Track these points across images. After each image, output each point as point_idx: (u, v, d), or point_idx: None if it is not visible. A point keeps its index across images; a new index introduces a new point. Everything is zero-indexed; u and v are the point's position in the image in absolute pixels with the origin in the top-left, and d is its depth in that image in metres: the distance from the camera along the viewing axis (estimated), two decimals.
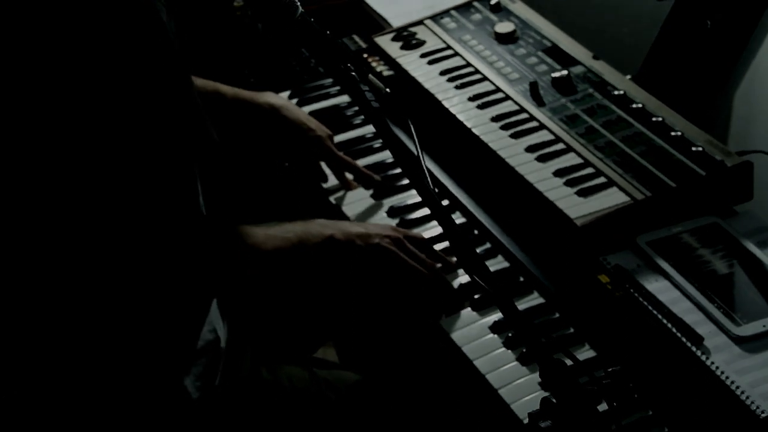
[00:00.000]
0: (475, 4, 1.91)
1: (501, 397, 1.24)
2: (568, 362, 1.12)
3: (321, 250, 1.39)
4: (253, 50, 2.23)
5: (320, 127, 1.73)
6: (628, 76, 1.60)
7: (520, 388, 1.25)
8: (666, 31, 1.70)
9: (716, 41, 1.62)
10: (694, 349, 1.23)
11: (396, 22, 2.00)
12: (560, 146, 1.47)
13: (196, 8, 2.27)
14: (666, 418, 1.19)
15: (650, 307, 1.27)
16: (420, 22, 1.91)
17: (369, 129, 1.76)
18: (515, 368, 1.27)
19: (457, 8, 1.92)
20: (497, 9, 1.86)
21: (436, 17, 1.91)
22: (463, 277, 1.40)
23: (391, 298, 1.48)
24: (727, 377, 1.21)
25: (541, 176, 1.41)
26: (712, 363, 1.22)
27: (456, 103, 1.63)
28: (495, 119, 1.56)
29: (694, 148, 1.41)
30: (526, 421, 1.21)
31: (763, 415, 1.17)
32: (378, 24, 2.05)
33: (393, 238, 1.40)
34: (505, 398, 1.24)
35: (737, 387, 1.20)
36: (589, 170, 1.41)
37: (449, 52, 1.78)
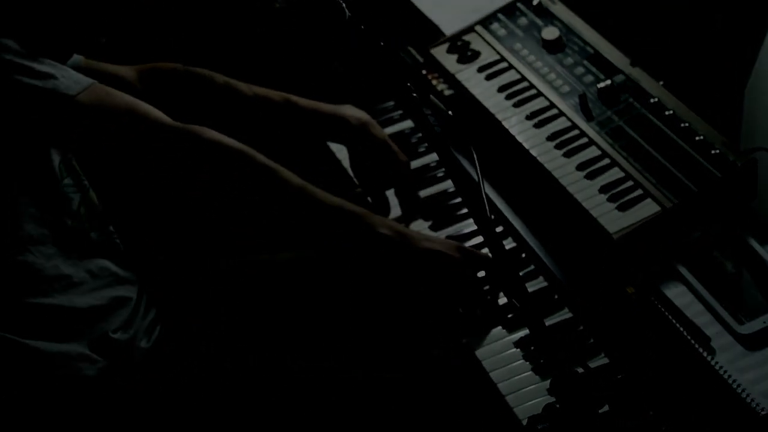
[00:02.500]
0: (519, 5, 2.27)
1: (507, 403, 1.52)
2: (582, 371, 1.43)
3: (366, 238, 1.58)
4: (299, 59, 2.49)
5: (401, 152, 1.99)
6: (661, 82, 1.97)
7: (528, 394, 1.53)
8: (682, 26, 2.07)
9: (727, 34, 1.97)
10: (701, 350, 1.45)
11: (446, 27, 2.33)
12: (606, 161, 1.85)
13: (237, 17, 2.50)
14: (669, 418, 1.40)
15: (667, 313, 1.55)
16: (471, 29, 2.27)
17: (432, 157, 2.11)
18: (529, 377, 1.58)
19: (502, 11, 2.28)
20: (540, 11, 2.22)
21: (485, 22, 2.27)
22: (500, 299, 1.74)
23: (431, 304, 1.72)
24: (729, 375, 1.40)
25: (588, 194, 1.79)
26: (717, 363, 1.42)
27: (515, 123, 2.01)
28: (550, 138, 1.94)
29: (713, 151, 1.76)
30: (525, 422, 1.46)
31: (762, 413, 1.34)
32: (424, 25, 2.36)
33: (462, 251, 1.68)
34: (510, 402, 1.53)
35: (738, 385, 1.38)
36: (629, 183, 1.79)
37: (504, 65, 2.14)
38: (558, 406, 1.34)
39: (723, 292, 1.56)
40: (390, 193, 2.04)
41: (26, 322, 1.58)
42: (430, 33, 2.35)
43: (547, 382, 1.56)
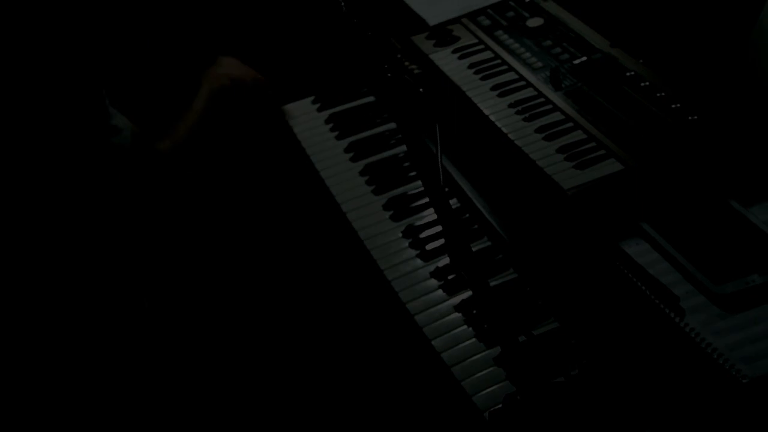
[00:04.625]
0: (511, 3, 2.19)
1: (453, 375, 1.41)
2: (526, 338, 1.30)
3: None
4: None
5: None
6: (641, 60, 1.84)
7: (474, 365, 1.42)
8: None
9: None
10: (667, 310, 1.28)
11: (434, 20, 2.25)
12: (569, 125, 1.71)
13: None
14: (634, 387, 1.26)
15: (626, 271, 1.37)
16: (457, 20, 2.19)
17: (388, 127, 2.06)
18: (473, 345, 1.46)
19: (493, 7, 2.20)
20: (530, 7, 2.14)
21: (472, 15, 2.19)
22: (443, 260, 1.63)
23: None
24: (703, 339, 1.23)
25: (544, 153, 1.64)
26: (687, 324, 1.26)
27: (478, 93, 1.88)
28: (512, 105, 1.81)
29: (690, 117, 1.62)
30: (478, 401, 1.36)
31: (744, 381, 1.17)
32: (416, 21, 2.26)
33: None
34: (457, 375, 1.42)
35: (714, 350, 1.21)
36: (591, 144, 1.64)
37: (480, 47, 2.05)
38: (513, 384, 1.24)
39: (695, 250, 1.38)
40: None
41: None
42: (421, 28, 2.28)
43: (494, 351, 1.42)
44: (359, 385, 1.73)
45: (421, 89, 1.97)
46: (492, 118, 1.81)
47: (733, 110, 1.61)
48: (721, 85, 1.71)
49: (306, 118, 2.12)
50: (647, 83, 1.75)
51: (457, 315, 1.54)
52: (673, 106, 1.67)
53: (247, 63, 2.15)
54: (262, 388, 1.80)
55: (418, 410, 1.65)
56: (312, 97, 2.20)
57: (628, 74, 1.79)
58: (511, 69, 1.94)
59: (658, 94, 1.71)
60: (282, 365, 1.82)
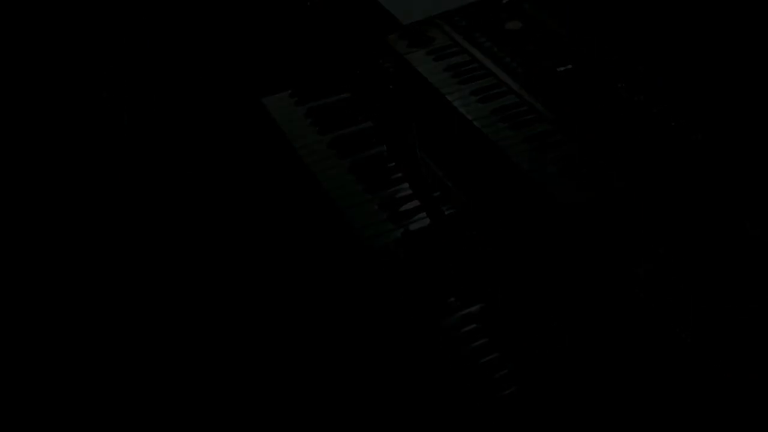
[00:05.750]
0: (488, 4, 2.08)
1: None
2: None
3: None
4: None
5: None
6: (637, 68, 1.71)
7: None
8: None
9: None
10: (687, 338, 1.23)
11: (407, 20, 2.15)
12: (558, 137, 1.59)
13: None
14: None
15: (637, 293, 1.30)
16: (431, 20, 2.07)
17: (368, 125, 1.91)
18: None
19: (468, 7, 2.08)
20: (509, 8, 2.02)
21: (446, 15, 2.06)
22: None
23: None
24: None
25: (538, 164, 1.53)
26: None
27: (457, 97, 1.76)
28: (495, 112, 1.70)
29: (693, 137, 1.52)
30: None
31: None
32: (389, 22, 2.17)
33: None
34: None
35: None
36: (585, 158, 1.53)
37: (455, 49, 1.92)
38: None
39: (709, 275, 1.32)
40: None
41: None
42: (394, 27, 2.16)
43: None
44: (357, 384, 1.68)
45: (390, 86, 1.86)
46: (477, 124, 1.68)
47: (744, 125, 1.51)
48: (732, 92, 1.60)
49: (285, 111, 1.99)
50: (642, 97, 1.62)
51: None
52: (673, 123, 1.55)
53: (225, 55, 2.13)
54: (262, 388, 1.77)
55: (416, 410, 1.56)
56: (289, 91, 2.05)
57: (619, 85, 1.67)
58: (490, 73, 1.83)
59: (654, 110, 1.59)
60: (281, 365, 1.80)
